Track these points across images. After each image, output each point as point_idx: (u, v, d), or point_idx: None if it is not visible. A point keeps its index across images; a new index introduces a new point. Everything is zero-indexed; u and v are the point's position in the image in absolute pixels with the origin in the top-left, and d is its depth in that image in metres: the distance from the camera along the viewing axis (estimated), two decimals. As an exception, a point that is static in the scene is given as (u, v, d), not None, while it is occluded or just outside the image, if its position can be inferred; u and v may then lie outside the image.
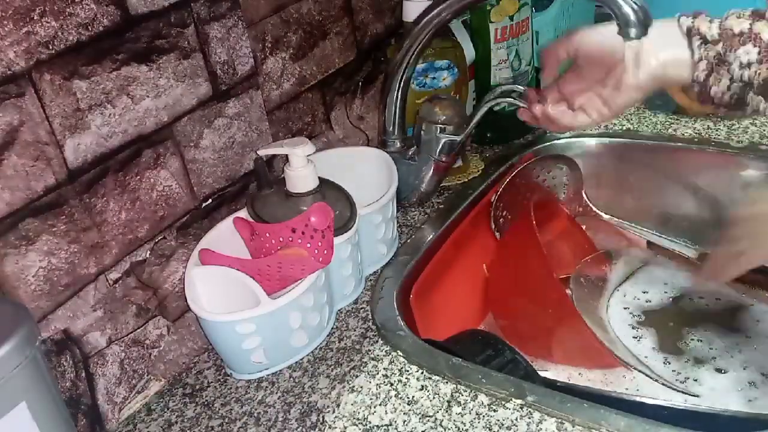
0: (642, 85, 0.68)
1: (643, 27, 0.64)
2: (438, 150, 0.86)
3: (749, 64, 0.63)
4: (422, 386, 0.66)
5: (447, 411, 0.63)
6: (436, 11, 0.80)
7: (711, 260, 0.72)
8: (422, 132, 0.86)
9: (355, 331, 0.73)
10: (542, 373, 0.74)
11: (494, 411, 0.62)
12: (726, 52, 0.64)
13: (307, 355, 0.71)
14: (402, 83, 0.85)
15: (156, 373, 0.70)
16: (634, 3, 0.63)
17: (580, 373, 0.80)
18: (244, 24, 0.73)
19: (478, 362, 0.68)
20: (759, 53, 0.63)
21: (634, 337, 0.86)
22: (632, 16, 0.63)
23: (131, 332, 0.67)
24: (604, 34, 0.68)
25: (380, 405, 0.64)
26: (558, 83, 0.74)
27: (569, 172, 0.95)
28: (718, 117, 1.02)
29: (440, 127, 0.85)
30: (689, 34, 0.66)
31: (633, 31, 0.64)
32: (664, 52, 0.66)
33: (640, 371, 0.77)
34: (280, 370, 0.70)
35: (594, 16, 1.29)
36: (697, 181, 0.95)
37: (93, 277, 0.63)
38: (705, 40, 0.65)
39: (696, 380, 0.80)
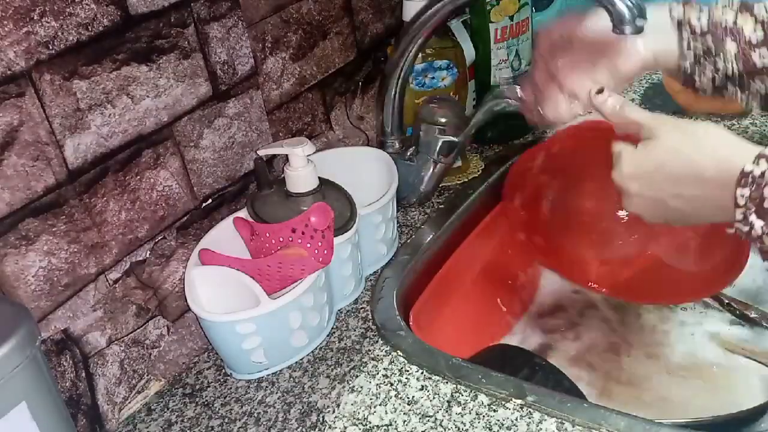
0: (632, 73, 0.69)
1: (637, 25, 0.64)
2: (437, 151, 0.86)
3: (733, 59, 0.64)
4: (422, 386, 0.66)
5: (447, 411, 0.63)
6: (431, 11, 0.80)
7: None
8: (421, 133, 0.86)
9: (355, 331, 0.73)
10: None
11: (494, 411, 0.62)
12: (712, 46, 0.65)
13: (307, 355, 0.71)
14: (399, 83, 0.85)
15: (156, 373, 0.70)
16: (629, 0, 0.63)
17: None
18: (244, 24, 0.73)
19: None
20: (737, 50, 0.64)
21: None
22: (627, 14, 0.63)
23: (131, 332, 0.67)
24: (601, 21, 0.68)
25: (380, 405, 0.64)
26: (549, 64, 0.72)
27: None
28: (717, 118, 1.02)
29: (439, 129, 0.84)
30: (679, 25, 0.66)
31: (628, 29, 0.64)
32: (654, 42, 0.67)
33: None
34: (280, 370, 0.70)
35: (594, 16, 1.29)
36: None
37: (93, 277, 0.63)
38: (693, 32, 0.65)
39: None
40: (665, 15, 0.67)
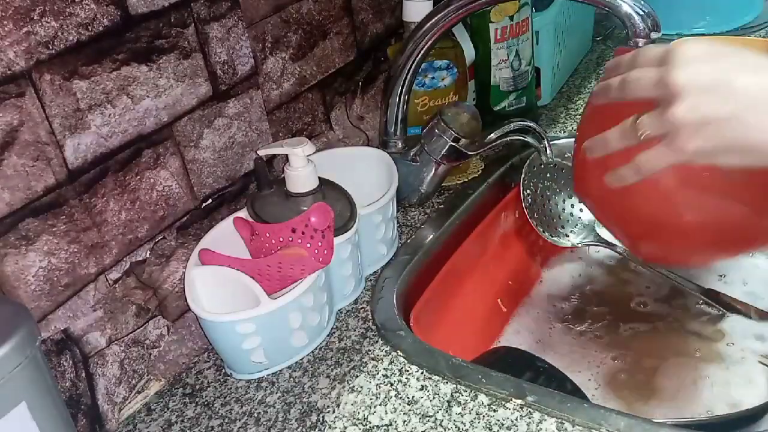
0: None
1: (652, 38, 0.63)
2: (442, 153, 0.85)
3: None
4: (422, 386, 0.66)
5: (447, 411, 0.63)
6: (442, 14, 0.80)
7: None
8: (435, 130, 0.85)
9: (355, 331, 0.73)
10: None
11: (494, 411, 0.62)
12: None
13: (307, 355, 0.71)
14: (405, 85, 0.85)
15: (156, 373, 0.70)
16: (642, 10, 0.63)
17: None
18: (244, 24, 0.73)
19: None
20: None
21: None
22: (641, 27, 0.63)
23: (131, 332, 0.67)
24: None
25: (380, 405, 0.64)
26: None
27: None
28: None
29: (456, 136, 0.84)
30: None
31: (641, 42, 0.63)
32: None
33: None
34: (280, 370, 0.70)
35: (594, 16, 1.29)
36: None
37: (93, 277, 0.63)
38: None
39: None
40: None
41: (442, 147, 0.85)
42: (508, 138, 0.84)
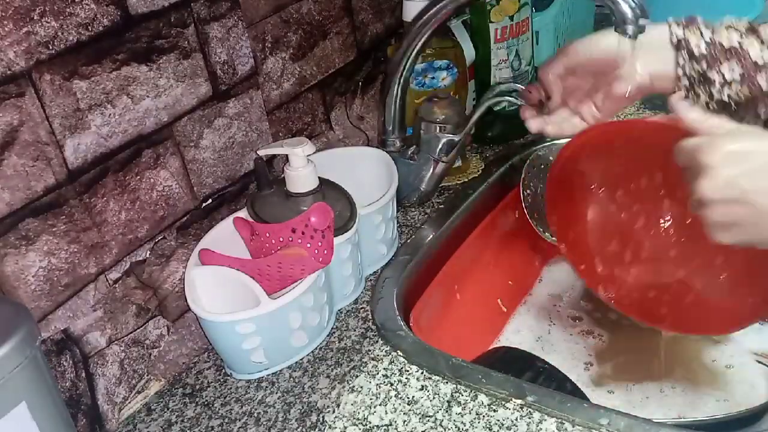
0: (630, 96, 0.68)
1: (640, 24, 0.64)
2: (438, 149, 0.86)
3: (731, 83, 0.62)
4: (422, 386, 0.66)
5: (447, 411, 0.63)
6: (434, 10, 0.80)
7: None
8: (422, 131, 0.86)
9: (355, 331, 0.73)
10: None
11: (494, 411, 0.62)
12: (709, 70, 0.63)
13: (307, 355, 0.71)
14: (401, 83, 0.85)
15: (156, 373, 0.70)
16: (632, 0, 0.64)
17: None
18: (244, 24, 0.73)
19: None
20: (742, 72, 0.61)
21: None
22: (629, 14, 0.64)
23: (131, 332, 0.67)
24: (597, 44, 0.68)
25: (380, 405, 0.64)
26: (556, 84, 0.72)
27: None
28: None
29: (440, 127, 0.85)
30: (678, 47, 0.64)
31: (630, 29, 0.64)
32: (651, 65, 0.66)
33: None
34: (280, 370, 0.70)
35: (594, 16, 1.29)
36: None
37: (93, 277, 0.63)
38: (692, 55, 0.64)
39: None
40: (665, 34, 0.65)
41: (434, 143, 0.85)
42: (489, 102, 0.83)
